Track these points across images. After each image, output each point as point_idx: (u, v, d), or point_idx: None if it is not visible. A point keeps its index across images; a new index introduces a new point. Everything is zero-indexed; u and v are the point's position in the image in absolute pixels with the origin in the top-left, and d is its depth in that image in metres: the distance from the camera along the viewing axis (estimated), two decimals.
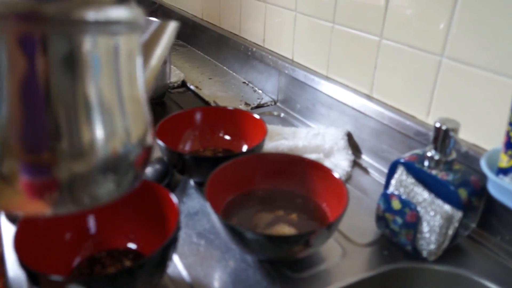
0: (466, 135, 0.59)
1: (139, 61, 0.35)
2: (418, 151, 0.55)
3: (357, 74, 0.76)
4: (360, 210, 0.63)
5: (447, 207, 0.49)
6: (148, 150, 0.35)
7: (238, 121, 0.73)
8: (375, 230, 0.59)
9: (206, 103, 0.98)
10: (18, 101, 0.28)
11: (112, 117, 0.31)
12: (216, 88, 1.07)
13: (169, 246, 0.42)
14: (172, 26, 0.43)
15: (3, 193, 0.29)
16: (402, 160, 0.54)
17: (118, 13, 0.31)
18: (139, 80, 0.34)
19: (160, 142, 0.63)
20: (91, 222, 0.50)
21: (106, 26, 0.30)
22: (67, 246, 0.48)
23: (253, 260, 0.53)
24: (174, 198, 0.47)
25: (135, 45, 0.34)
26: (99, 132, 0.30)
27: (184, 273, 0.51)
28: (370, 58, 0.73)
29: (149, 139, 0.35)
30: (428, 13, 0.61)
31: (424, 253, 0.52)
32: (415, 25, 0.63)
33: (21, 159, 0.28)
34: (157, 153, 0.68)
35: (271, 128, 0.80)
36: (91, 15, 0.28)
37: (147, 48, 0.41)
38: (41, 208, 0.30)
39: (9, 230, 0.56)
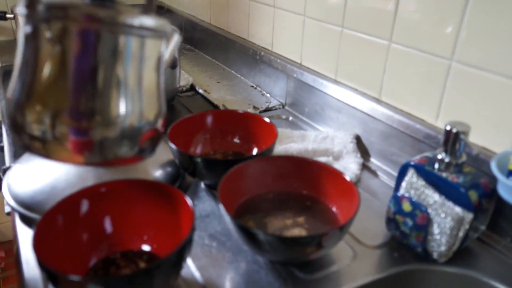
0: (476, 138, 0.60)
1: (159, 61, 0.45)
2: (428, 153, 0.56)
3: (366, 78, 0.77)
4: (369, 213, 0.64)
5: (458, 209, 0.49)
6: (156, 130, 0.46)
7: (249, 124, 0.73)
8: (385, 232, 0.59)
9: (215, 106, 0.99)
10: (71, 81, 0.39)
11: (133, 100, 0.42)
12: (224, 92, 1.08)
13: (185, 246, 0.43)
14: (176, 37, 0.55)
15: (56, 149, 0.40)
16: (412, 163, 0.55)
17: (149, 21, 0.42)
18: (159, 76, 0.46)
19: (171, 145, 0.64)
20: (107, 224, 0.51)
21: (139, 30, 0.41)
22: (83, 247, 0.49)
23: (265, 262, 0.54)
24: (188, 200, 0.48)
25: (158, 48, 0.45)
26: (122, 110, 0.41)
27: (197, 274, 0.52)
28: (379, 62, 0.73)
29: (159, 123, 0.46)
30: (437, 17, 0.62)
31: (435, 255, 0.52)
32: (425, 29, 0.64)
33: (69, 125, 0.39)
34: (168, 156, 0.69)
35: (280, 131, 0.81)
36: (130, 20, 0.40)
37: None
38: (80, 159, 0.41)
39: (25, 233, 0.58)
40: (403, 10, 0.67)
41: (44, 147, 0.40)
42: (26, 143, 0.41)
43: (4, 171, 0.70)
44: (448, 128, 0.51)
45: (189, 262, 0.53)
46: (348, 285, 0.51)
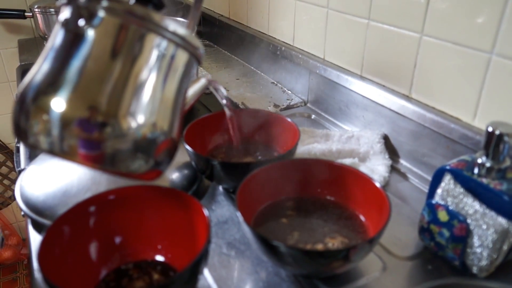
0: None
1: (181, 77, 0.43)
2: (466, 157, 0.51)
3: (394, 74, 0.72)
4: (400, 220, 0.59)
5: (501, 220, 0.44)
6: (168, 142, 0.42)
7: (269, 124, 0.69)
8: (417, 242, 0.55)
9: (234, 104, 0.96)
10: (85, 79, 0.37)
11: (147, 109, 0.39)
12: (244, 89, 1.04)
13: (200, 260, 0.40)
14: (202, 82, 0.57)
15: (64, 156, 0.37)
16: (448, 167, 0.50)
17: (182, 31, 0.41)
18: (177, 89, 0.43)
19: (187, 147, 0.60)
20: (119, 232, 0.48)
21: (171, 34, 0.40)
22: (94, 258, 0.46)
23: (287, 274, 0.50)
24: (204, 209, 0.44)
25: (185, 61, 0.43)
26: (133, 123, 0.38)
27: (214, 287, 0.48)
28: (409, 56, 0.68)
29: (174, 134, 0.42)
30: (475, 7, 0.56)
31: (475, 269, 0.48)
32: (460, 20, 0.59)
33: (79, 137, 0.36)
34: (185, 158, 0.66)
35: (302, 130, 0.77)
36: (164, 22, 0.39)
37: None
38: (92, 167, 0.38)
39: (36, 239, 0.55)
40: (436, 0, 0.62)
41: (51, 152, 0.37)
42: (33, 145, 0.38)
43: (19, 172, 0.68)
44: (490, 129, 0.46)
45: (206, 273, 0.50)
46: None
